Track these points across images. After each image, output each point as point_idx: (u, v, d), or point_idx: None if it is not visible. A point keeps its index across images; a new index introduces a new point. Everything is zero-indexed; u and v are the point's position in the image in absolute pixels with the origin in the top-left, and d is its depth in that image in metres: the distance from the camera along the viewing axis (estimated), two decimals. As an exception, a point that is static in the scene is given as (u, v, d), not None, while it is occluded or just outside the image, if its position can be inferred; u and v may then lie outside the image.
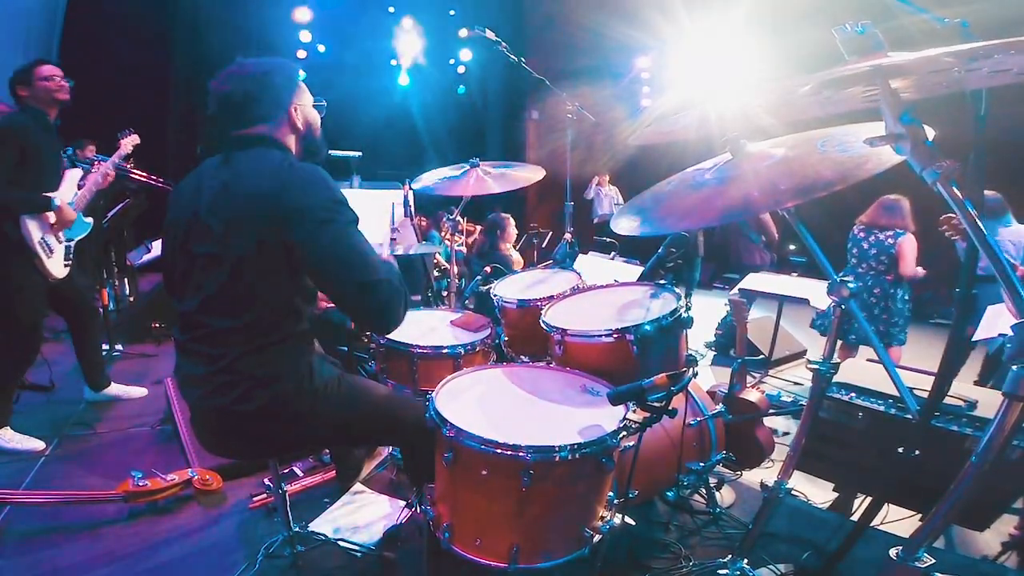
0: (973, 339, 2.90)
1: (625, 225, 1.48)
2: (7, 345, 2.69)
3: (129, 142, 3.22)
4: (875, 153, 1.12)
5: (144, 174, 3.76)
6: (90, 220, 3.04)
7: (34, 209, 2.67)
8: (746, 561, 1.74)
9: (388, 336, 2.05)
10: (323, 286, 1.44)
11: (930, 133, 1.02)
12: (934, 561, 1.10)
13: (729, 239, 6.08)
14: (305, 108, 1.57)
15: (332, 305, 1.60)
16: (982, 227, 0.97)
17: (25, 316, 2.69)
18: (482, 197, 2.50)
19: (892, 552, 1.13)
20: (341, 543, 1.99)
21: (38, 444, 2.68)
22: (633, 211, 1.58)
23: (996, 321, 2.81)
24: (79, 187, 2.94)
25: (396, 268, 1.48)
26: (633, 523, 1.51)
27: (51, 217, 2.73)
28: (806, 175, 1.22)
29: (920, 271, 3.56)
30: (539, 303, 2.06)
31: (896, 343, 3.67)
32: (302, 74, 1.61)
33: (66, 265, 2.86)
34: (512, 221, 4.49)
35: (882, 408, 2.24)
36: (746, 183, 1.33)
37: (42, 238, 2.70)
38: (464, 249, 5.76)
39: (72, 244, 2.90)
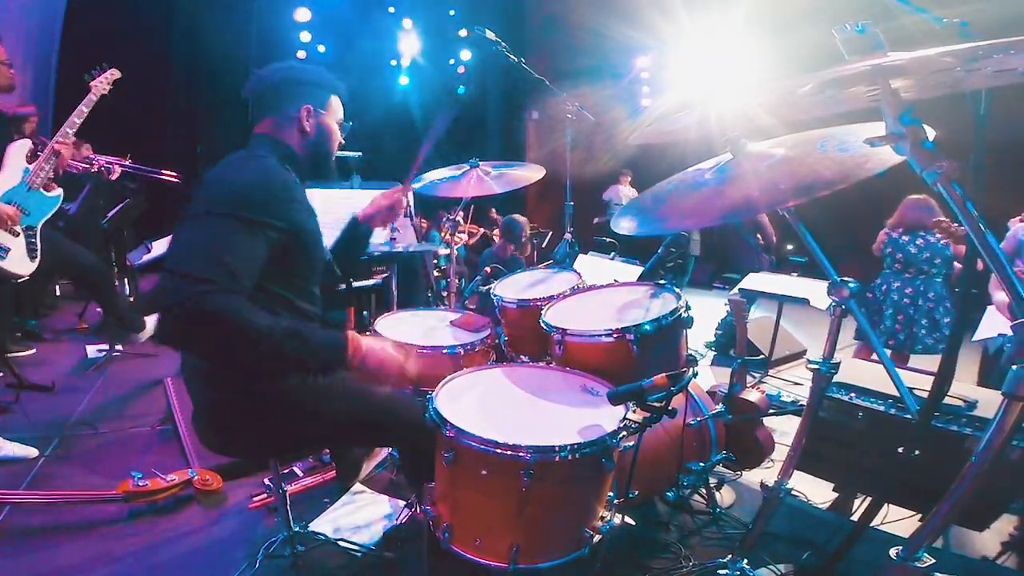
0: (973, 339, 2.90)
1: (625, 225, 1.48)
2: None
3: (108, 77, 2.82)
4: (875, 152, 1.12)
5: (173, 175, 3.73)
6: (57, 193, 2.71)
7: None
8: (746, 561, 1.74)
9: (387, 336, 2.05)
10: None
11: (931, 133, 1.02)
12: (934, 561, 1.09)
13: (727, 242, 6.08)
14: (324, 117, 1.57)
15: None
16: (982, 228, 0.97)
17: None
18: (482, 197, 2.50)
19: (892, 552, 1.13)
20: (341, 543, 1.99)
21: (30, 451, 2.60)
22: (633, 211, 1.58)
23: (996, 321, 2.82)
24: (34, 157, 2.61)
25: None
26: (633, 523, 1.51)
27: None
28: (806, 175, 1.22)
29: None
30: (539, 303, 2.06)
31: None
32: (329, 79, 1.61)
33: (32, 257, 2.61)
34: (527, 224, 4.50)
35: (882, 408, 2.24)
36: (746, 183, 1.33)
37: None
38: (464, 243, 5.77)
39: (36, 231, 2.62)
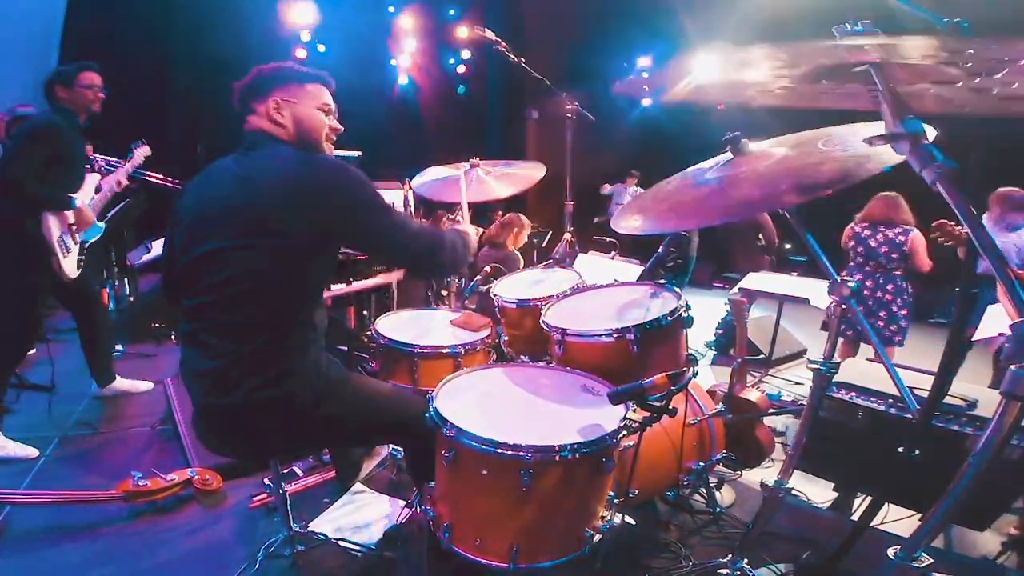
0: (973, 338, 2.89)
1: (626, 224, 1.48)
2: (3, 340, 2.69)
3: (141, 154, 3.26)
4: (876, 152, 1.12)
5: (161, 177, 3.77)
6: (102, 225, 3.06)
7: (57, 206, 2.70)
8: (746, 561, 1.74)
9: (388, 336, 2.05)
10: (373, 255, 1.55)
11: (930, 133, 1.02)
12: (932, 561, 1.09)
13: (729, 243, 6.06)
14: (297, 106, 1.55)
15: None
16: (983, 226, 0.97)
17: (27, 313, 2.73)
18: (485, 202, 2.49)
19: (890, 551, 1.12)
20: (341, 543, 1.99)
21: (31, 451, 2.63)
22: (634, 211, 1.58)
23: (996, 321, 2.81)
24: (96, 192, 2.99)
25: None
26: (633, 523, 1.51)
27: (71, 217, 2.77)
28: (807, 174, 1.22)
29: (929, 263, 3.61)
30: (539, 303, 2.06)
31: (903, 342, 3.70)
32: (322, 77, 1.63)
33: (80, 266, 2.89)
34: (528, 226, 4.51)
35: (882, 408, 2.24)
36: (747, 183, 1.33)
37: (60, 236, 2.74)
38: None
39: (86, 246, 2.93)
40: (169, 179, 3.80)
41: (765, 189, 1.27)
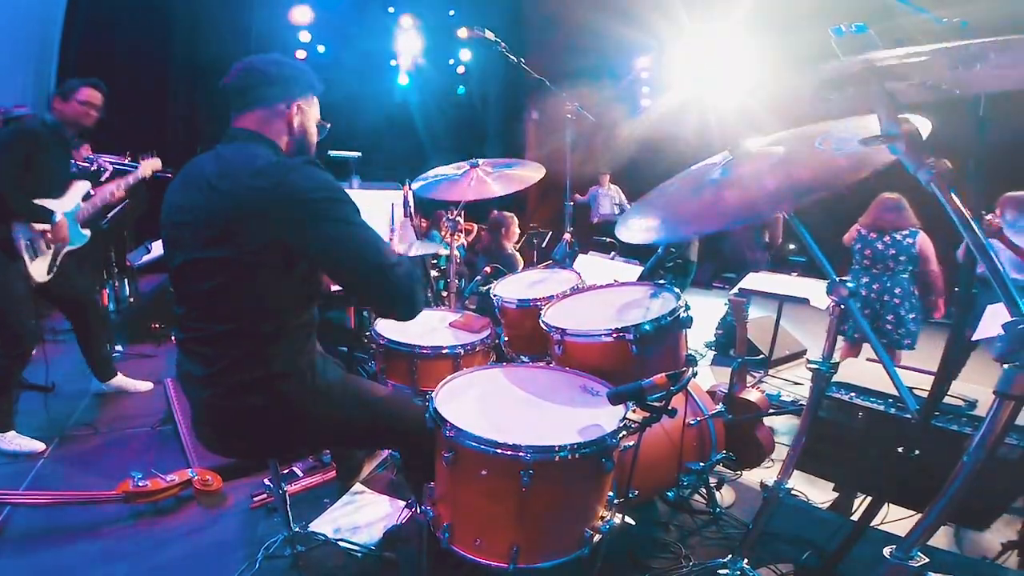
0: (972, 339, 2.89)
1: (631, 235, 1.45)
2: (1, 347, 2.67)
3: (149, 166, 3.27)
4: (869, 152, 1.12)
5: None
6: (87, 232, 3.03)
7: (35, 219, 2.69)
8: (746, 561, 1.74)
9: (388, 336, 2.06)
10: (340, 280, 1.44)
11: (924, 126, 1.02)
12: (928, 560, 1.09)
13: (733, 243, 6.06)
14: (306, 116, 1.54)
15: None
16: (976, 228, 0.97)
17: (14, 317, 2.67)
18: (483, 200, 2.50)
19: (886, 551, 1.12)
20: (341, 543, 1.99)
21: (38, 445, 2.67)
22: (641, 217, 1.55)
23: (996, 321, 2.81)
24: (87, 198, 2.97)
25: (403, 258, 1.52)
26: (633, 523, 1.51)
27: (43, 225, 2.73)
28: (809, 175, 1.21)
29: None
30: (539, 303, 2.06)
31: (914, 345, 3.68)
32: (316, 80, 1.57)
33: (49, 272, 2.83)
34: (515, 220, 4.52)
35: (882, 408, 2.24)
36: (753, 185, 1.31)
37: (30, 240, 2.70)
38: (464, 243, 5.78)
39: (62, 253, 2.89)
40: (167, 172, 3.80)
41: (766, 192, 1.26)
